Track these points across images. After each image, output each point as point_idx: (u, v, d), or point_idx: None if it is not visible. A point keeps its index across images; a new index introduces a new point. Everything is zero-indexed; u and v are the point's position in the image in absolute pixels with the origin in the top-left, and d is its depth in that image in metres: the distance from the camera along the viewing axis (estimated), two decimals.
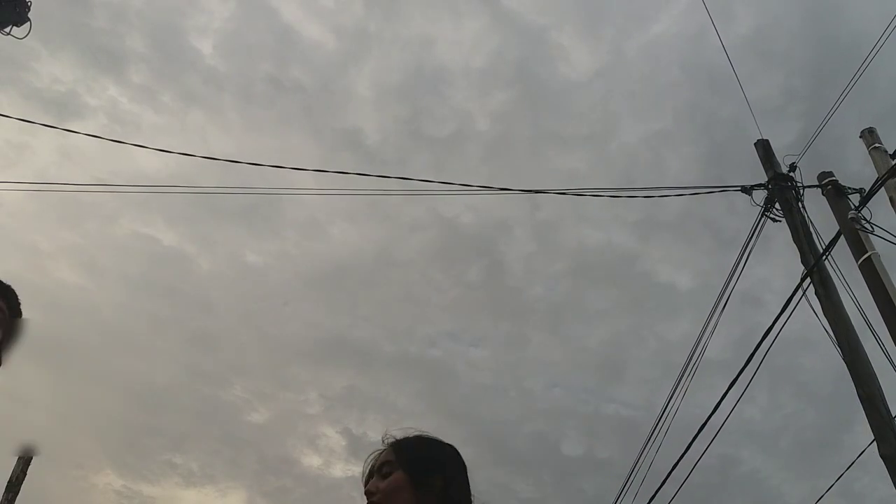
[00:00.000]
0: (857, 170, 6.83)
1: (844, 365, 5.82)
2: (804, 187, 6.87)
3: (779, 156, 7.25)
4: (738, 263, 7.03)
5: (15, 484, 7.09)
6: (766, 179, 7.13)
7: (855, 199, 6.44)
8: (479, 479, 1.57)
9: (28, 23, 7.75)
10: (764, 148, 7.33)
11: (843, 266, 6.23)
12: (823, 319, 6.08)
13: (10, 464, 7.20)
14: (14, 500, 7.03)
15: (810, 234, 6.59)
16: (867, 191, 6.34)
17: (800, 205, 6.81)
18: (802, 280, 6.30)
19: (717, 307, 7.11)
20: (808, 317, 6.19)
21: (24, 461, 7.18)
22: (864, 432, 5.59)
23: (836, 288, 6.17)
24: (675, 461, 7.00)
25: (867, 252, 5.96)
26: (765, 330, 6.22)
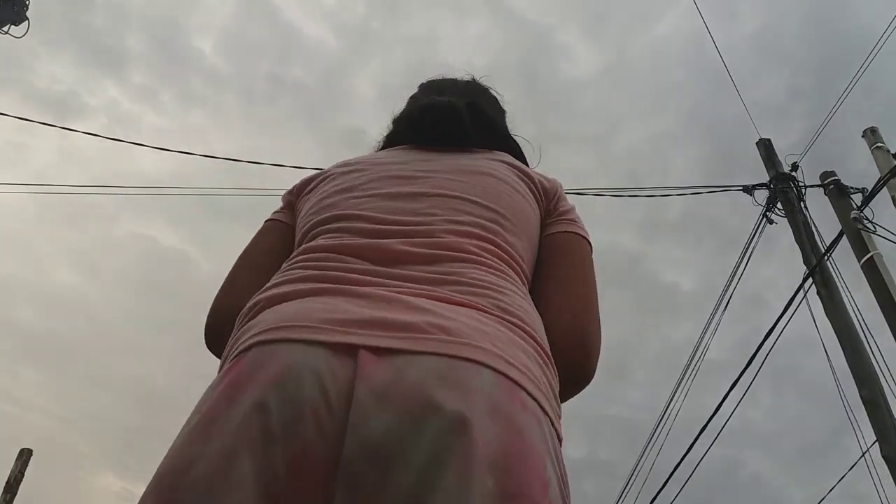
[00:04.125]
0: (863, 169, 6.79)
1: (847, 366, 5.80)
2: (806, 187, 6.83)
3: (783, 155, 7.21)
4: (740, 264, 6.99)
5: (13, 484, 7.07)
6: (768, 179, 7.09)
7: (857, 198, 6.40)
8: None
9: (26, 21, 7.73)
10: (766, 147, 7.29)
11: (845, 266, 6.20)
12: (824, 319, 6.05)
13: (9, 464, 7.18)
14: (12, 502, 7.00)
15: (812, 234, 6.55)
16: (869, 190, 6.30)
17: (802, 204, 6.77)
18: (804, 280, 6.26)
19: (718, 308, 7.08)
20: (815, 317, 6.17)
21: (23, 462, 7.15)
22: (867, 433, 5.58)
23: (838, 288, 6.13)
24: (677, 462, 6.97)
25: (869, 252, 5.93)
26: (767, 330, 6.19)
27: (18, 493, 7.08)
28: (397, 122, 1.29)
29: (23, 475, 7.10)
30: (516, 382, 0.71)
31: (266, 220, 1.19)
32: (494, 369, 0.71)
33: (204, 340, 1.10)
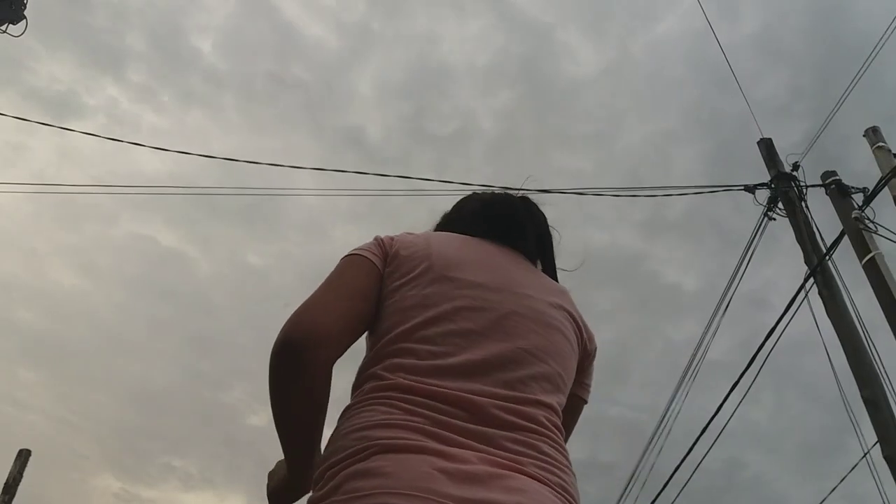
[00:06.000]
0: (864, 169, 6.76)
1: (849, 366, 5.78)
2: (807, 186, 6.81)
3: (784, 155, 7.19)
4: (741, 264, 6.97)
5: (12, 485, 7.06)
6: (770, 178, 7.07)
7: (859, 198, 6.39)
8: None
9: (24, 20, 7.71)
10: (767, 147, 7.27)
11: (846, 266, 6.17)
12: (826, 320, 6.03)
13: (8, 465, 7.17)
14: (10, 502, 6.99)
15: (814, 233, 6.53)
16: (871, 190, 6.28)
17: (803, 204, 6.74)
18: (805, 280, 6.24)
19: (719, 308, 7.05)
20: (816, 317, 6.14)
21: (21, 462, 7.14)
22: (869, 434, 5.55)
23: (839, 288, 6.11)
24: (678, 463, 6.95)
25: (871, 252, 5.91)
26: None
27: (17, 493, 7.07)
28: (460, 220, 1.44)
29: (21, 476, 7.09)
30: None
31: (359, 255, 1.22)
32: None
33: (279, 352, 1.09)
